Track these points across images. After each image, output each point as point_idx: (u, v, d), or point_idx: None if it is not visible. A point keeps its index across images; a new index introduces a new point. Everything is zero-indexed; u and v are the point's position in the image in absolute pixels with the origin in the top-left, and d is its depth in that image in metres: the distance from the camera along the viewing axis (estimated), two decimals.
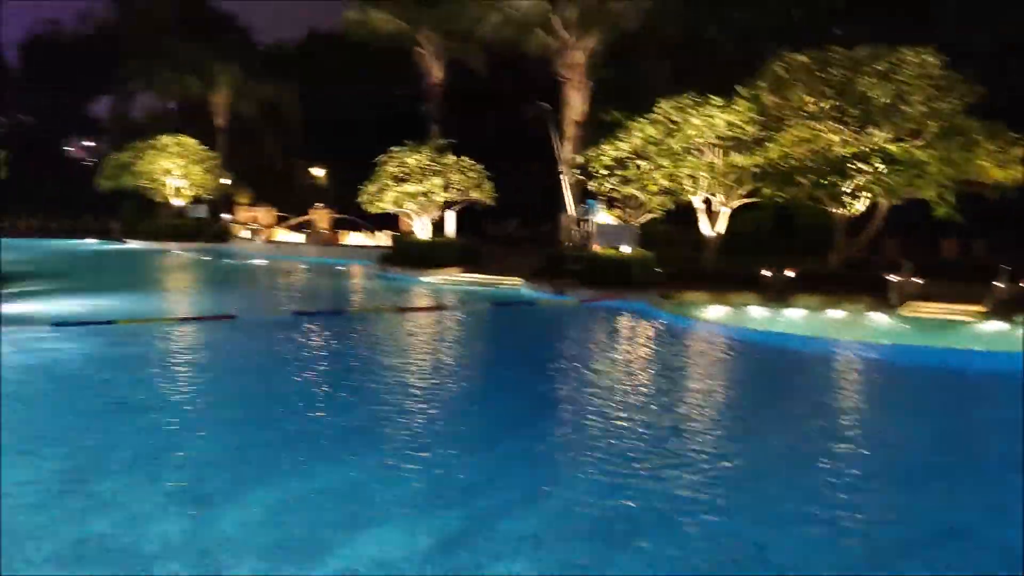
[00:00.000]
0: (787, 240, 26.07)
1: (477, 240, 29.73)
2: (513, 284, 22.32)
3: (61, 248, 38.40)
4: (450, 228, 28.31)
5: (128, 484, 6.63)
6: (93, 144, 64.56)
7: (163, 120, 52.03)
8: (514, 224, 41.51)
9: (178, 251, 36.09)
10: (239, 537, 5.65)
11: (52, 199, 48.39)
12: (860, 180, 18.37)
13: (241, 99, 44.70)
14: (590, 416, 8.98)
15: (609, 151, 21.30)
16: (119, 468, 7.04)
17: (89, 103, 62.36)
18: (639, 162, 20.74)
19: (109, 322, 14.78)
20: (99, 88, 59.42)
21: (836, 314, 16.56)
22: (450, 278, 24.33)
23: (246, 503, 6.24)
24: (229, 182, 44.76)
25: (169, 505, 6.18)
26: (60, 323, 14.49)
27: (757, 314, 16.81)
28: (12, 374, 10.59)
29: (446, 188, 26.37)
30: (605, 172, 21.28)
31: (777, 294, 17.70)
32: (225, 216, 41.57)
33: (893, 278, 16.97)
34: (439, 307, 18.42)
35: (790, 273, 18.21)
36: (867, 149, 18.48)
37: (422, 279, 24.08)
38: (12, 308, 16.77)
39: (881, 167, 17.95)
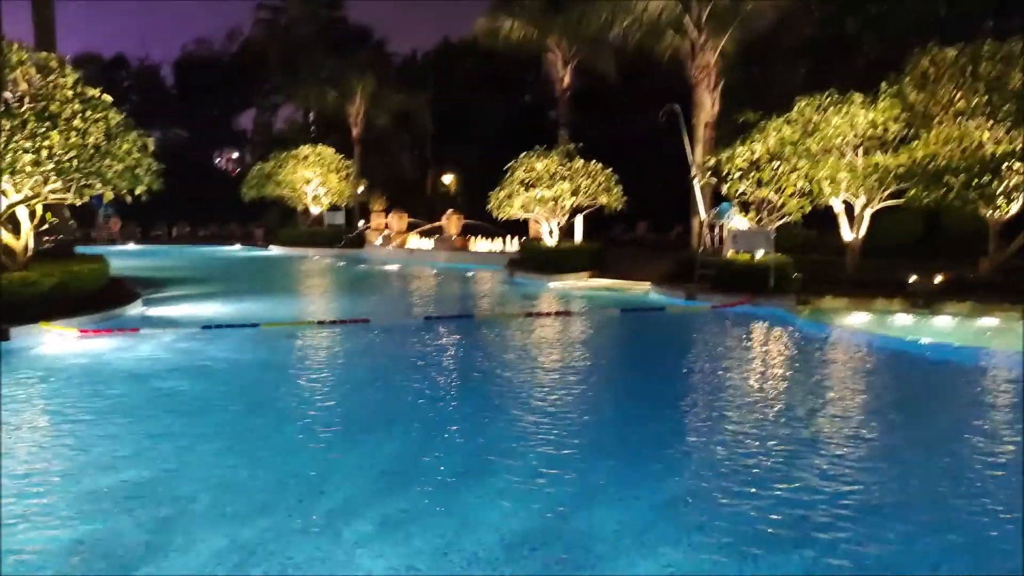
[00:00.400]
0: (934, 244, 24.76)
1: (605, 245, 29.60)
2: (642, 289, 22.08)
3: (209, 254, 40.60)
4: (578, 233, 28.30)
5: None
6: (238, 155, 68.13)
7: (302, 131, 54.38)
8: (643, 228, 41.13)
9: (316, 256, 37.53)
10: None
11: (201, 208, 51.27)
12: (1015, 180, 17.23)
13: (375, 109, 46.11)
14: (730, 427, 8.77)
15: (743, 153, 20.77)
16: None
17: (235, 116, 65.86)
18: (774, 164, 20.13)
19: (254, 325, 15.49)
20: (245, 102, 62.76)
21: (989, 322, 15.58)
22: (578, 283, 24.30)
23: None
24: (363, 190, 46.25)
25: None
26: (208, 326, 15.30)
27: (903, 322, 16.00)
28: (170, 371, 11.29)
29: (574, 193, 26.37)
30: (738, 174, 20.76)
31: (923, 301, 16.81)
32: (360, 223, 42.95)
33: None
34: (567, 312, 18.41)
35: (938, 279, 17.27)
36: (1022, 147, 17.33)
37: (550, 284, 24.13)
38: (165, 311, 17.85)
39: None
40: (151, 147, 17.61)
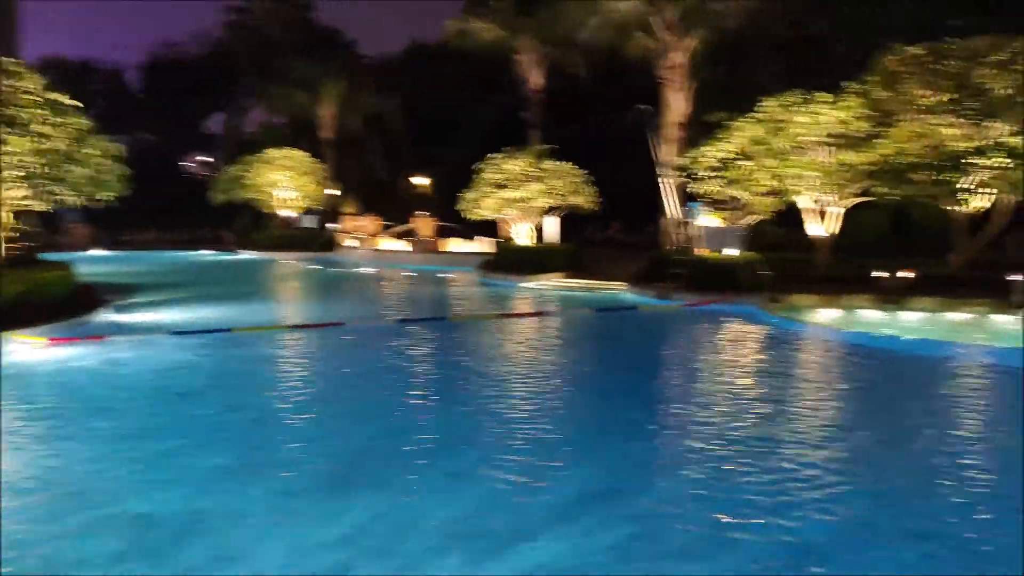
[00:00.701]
0: (903, 240, 25.08)
1: (578, 245, 29.69)
2: (616, 288, 22.19)
3: (179, 259, 40.21)
4: (551, 233, 28.36)
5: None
6: (208, 159, 67.52)
7: (272, 134, 53.99)
8: (616, 228, 41.27)
9: (288, 260, 37.30)
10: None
11: (170, 212, 50.75)
12: (980, 176, 17.50)
13: (347, 111, 45.89)
14: (698, 426, 8.82)
15: (712, 152, 20.93)
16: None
17: (204, 120, 65.27)
18: (743, 163, 20.30)
19: (226, 330, 15.36)
20: (214, 105, 62.24)
21: (956, 317, 15.83)
22: (552, 283, 24.35)
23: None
24: (336, 193, 46.02)
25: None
26: (179, 331, 15.14)
27: (871, 318, 16.20)
28: (141, 379, 11.17)
29: (546, 194, 26.43)
30: (708, 174, 20.92)
31: (892, 297, 17.03)
32: (332, 226, 42.75)
33: (1016, 278, 16.09)
34: (542, 313, 18.44)
35: (906, 275, 17.50)
36: (987, 143, 17.60)
37: (524, 285, 24.17)
38: (135, 317, 17.66)
39: (1003, 161, 17.04)
40: (118, 152, 17.44)
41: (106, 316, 17.36)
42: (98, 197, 16.99)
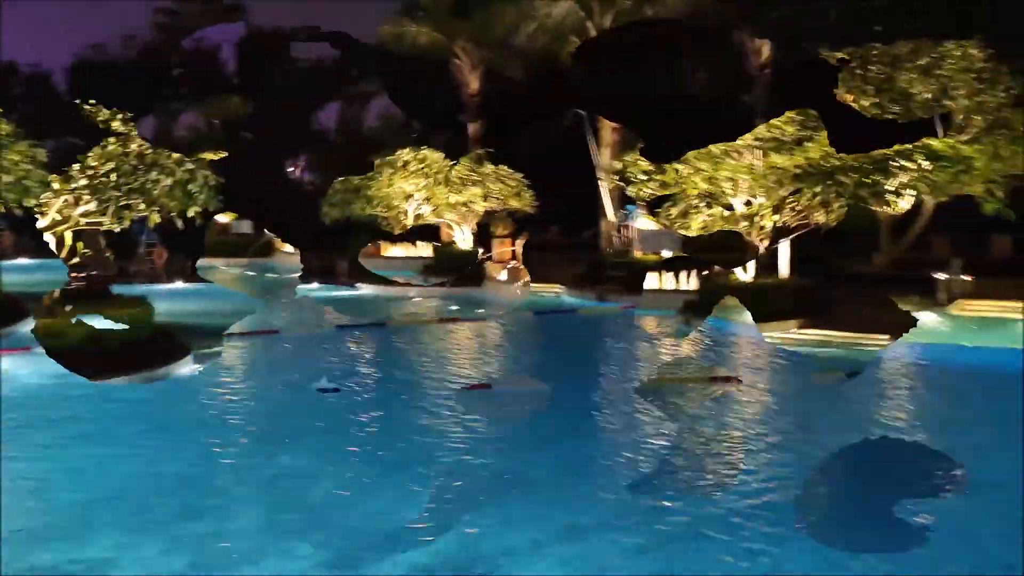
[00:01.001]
0: (832, 241, 25.61)
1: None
2: (555, 291, 22.28)
3: None
4: None
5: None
6: None
7: (206, 138, 52.79)
8: (553, 231, 41.38)
9: (223, 267, 36.53)
10: None
11: None
12: (904, 178, 18.00)
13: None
14: (636, 423, 8.95)
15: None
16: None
17: (136, 124, 63.49)
18: (677, 166, 20.55)
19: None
20: (144, 109, 60.53)
21: None
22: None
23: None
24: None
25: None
26: None
27: None
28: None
29: (485, 198, 26.42)
30: (643, 177, 21.12)
31: None
32: (269, 232, 41.97)
33: (941, 276, 16.62)
34: (482, 316, 18.44)
35: (835, 274, 17.93)
36: (909, 146, 18.12)
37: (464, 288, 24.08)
38: None
39: (925, 164, 17.58)
40: (43, 157, 16.95)
41: (31, 326, 16.80)
42: (24, 204, 16.46)
